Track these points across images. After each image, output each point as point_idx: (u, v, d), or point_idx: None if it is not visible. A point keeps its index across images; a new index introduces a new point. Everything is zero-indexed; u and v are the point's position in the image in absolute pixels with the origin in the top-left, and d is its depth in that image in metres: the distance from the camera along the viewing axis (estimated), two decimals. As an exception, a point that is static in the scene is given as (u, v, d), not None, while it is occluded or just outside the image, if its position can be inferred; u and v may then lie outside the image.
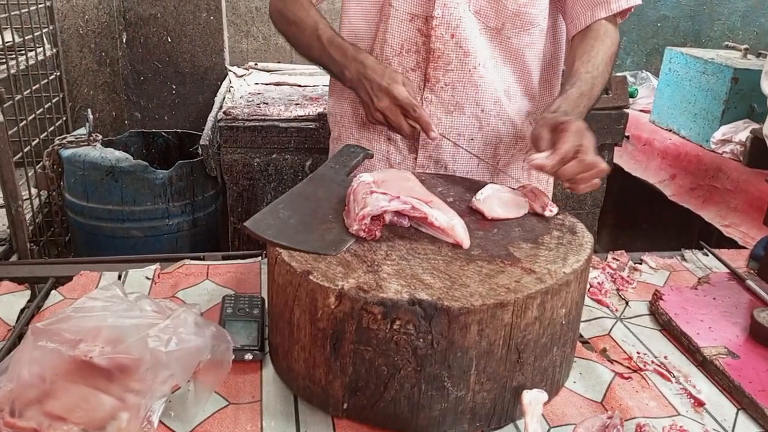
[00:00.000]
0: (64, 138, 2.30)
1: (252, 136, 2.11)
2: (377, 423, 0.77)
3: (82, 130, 2.37)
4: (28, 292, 1.04)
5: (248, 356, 0.86)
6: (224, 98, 2.39)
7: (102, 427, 0.71)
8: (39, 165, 2.30)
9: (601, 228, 2.63)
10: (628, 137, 2.51)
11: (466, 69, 1.17)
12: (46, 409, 0.70)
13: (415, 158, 1.25)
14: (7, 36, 2.19)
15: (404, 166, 1.26)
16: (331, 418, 0.78)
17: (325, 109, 2.16)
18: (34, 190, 2.31)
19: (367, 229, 0.84)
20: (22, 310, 0.99)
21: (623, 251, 1.21)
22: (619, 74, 2.39)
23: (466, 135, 1.22)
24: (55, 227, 2.37)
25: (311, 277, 0.75)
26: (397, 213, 0.86)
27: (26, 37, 2.27)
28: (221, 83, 2.67)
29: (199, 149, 2.19)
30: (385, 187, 0.87)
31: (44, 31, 2.42)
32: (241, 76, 2.72)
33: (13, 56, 2.15)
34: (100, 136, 2.31)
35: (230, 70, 2.77)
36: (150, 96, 2.75)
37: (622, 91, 2.28)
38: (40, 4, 2.37)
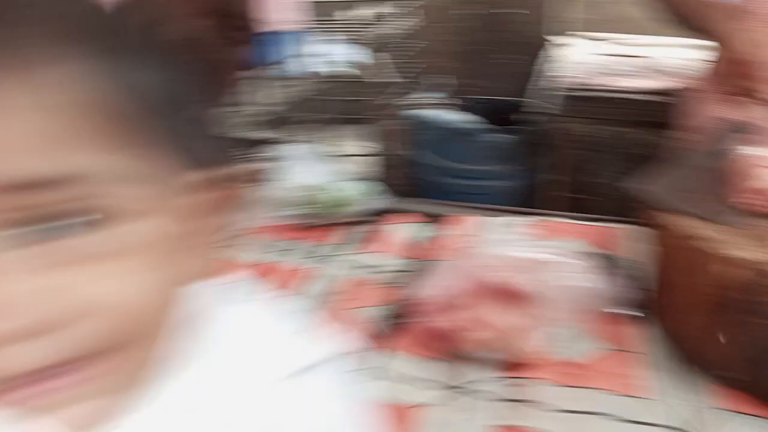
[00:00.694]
0: (414, 99, 2.59)
1: (591, 107, 2.13)
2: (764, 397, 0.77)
3: (430, 93, 2.65)
4: (425, 223, 1.24)
5: (632, 312, 0.92)
6: (559, 67, 2.43)
7: (507, 342, 0.84)
8: (392, 122, 2.64)
9: None
10: None
11: None
12: (464, 315, 0.85)
13: None
14: (383, 7, 2.54)
15: None
16: (720, 385, 0.80)
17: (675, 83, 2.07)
18: (386, 144, 2.66)
19: (756, 203, 0.83)
20: (421, 237, 1.19)
21: None
22: None
23: None
24: (399, 180, 2.71)
25: (701, 243, 0.77)
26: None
27: (397, 10, 2.60)
28: (556, 52, 2.72)
29: (534, 117, 2.29)
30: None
31: (414, 4, 2.74)
32: (575, 45, 2.73)
33: (385, 24, 2.49)
34: (446, 100, 2.56)
35: (564, 39, 2.79)
36: (491, 65, 2.93)
37: None
38: (410, -19, 2.68)
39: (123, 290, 0.31)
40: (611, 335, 0.89)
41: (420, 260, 1.10)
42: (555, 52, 2.67)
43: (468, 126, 2.37)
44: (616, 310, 0.90)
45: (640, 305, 0.93)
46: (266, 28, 1.59)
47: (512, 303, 0.85)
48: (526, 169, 2.39)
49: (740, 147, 0.93)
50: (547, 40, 2.84)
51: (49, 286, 0.29)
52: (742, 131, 1.10)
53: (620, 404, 0.78)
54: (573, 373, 0.83)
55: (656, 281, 0.92)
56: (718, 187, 0.90)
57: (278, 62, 1.83)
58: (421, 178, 2.54)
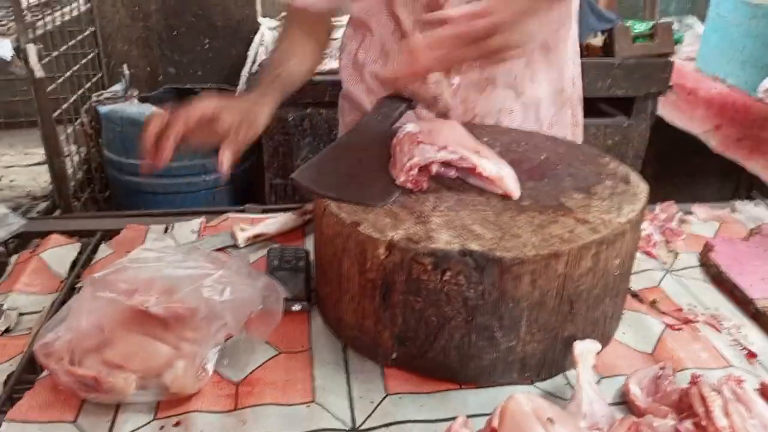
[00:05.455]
0: (101, 94, 2.31)
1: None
2: (426, 372, 0.77)
3: (118, 86, 2.39)
4: (78, 245, 1.05)
5: (296, 307, 0.87)
6: (257, 51, 2.36)
7: (159, 374, 0.72)
8: (77, 121, 2.32)
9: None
10: (671, 86, 2.43)
11: None
12: (104, 357, 0.72)
13: None
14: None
15: None
16: (381, 367, 0.79)
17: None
18: (73, 147, 2.34)
19: (414, 180, 0.82)
20: (72, 263, 1.01)
21: (672, 202, 1.18)
22: (664, 20, 2.30)
23: (505, 108, 1.16)
24: (94, 183, 2.41)
25: (360, 228, 0.74)
26: (445, 163, 0.85)
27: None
28: (254, 36, 2.64)
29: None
30: (432, 137, 0.85)
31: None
32: (274, 27, 2.69)
33: (49, 12, 2.15)
34: (137, 92, 2.33)
35: (262, 22, 2.73)
36: (184, 50, 2.74)
37: (668, 37, 2.19)
38: (72, -42, 2.36)
39: None
40: (277, 338, 0.82)
41: (62, 293, 0.93)
42: (261, 36, 2.57)
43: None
44: (283, 308, 0.83)
45: (306, 298, 0.88)
46: None
47: (159, 330, 0.73)
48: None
49: (404, 124, 0.92)
50: (256, 24, 2.72)
51: None
52: (405, 106, 1.11)
53: (284, 416, 0.72)
54: (233, 395, 0.75)
55: (319, 270, 0.88)
56: (376, 167, 0.88)
57: None
58: (118, 184, 2.29)
